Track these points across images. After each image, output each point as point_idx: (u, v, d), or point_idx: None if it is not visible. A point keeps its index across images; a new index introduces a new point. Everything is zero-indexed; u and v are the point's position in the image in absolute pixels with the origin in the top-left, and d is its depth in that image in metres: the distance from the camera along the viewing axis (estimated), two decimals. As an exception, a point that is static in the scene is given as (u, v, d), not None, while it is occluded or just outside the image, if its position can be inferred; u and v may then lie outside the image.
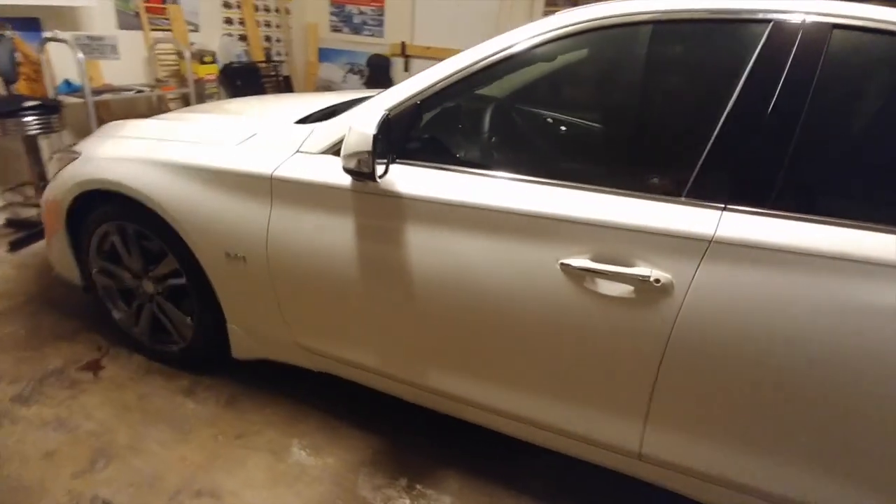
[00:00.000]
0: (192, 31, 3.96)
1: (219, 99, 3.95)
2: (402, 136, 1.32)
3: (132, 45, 3.50)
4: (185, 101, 3.81)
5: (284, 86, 4.84)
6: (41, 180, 2.73)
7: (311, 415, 1.74)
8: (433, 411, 1.53)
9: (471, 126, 1.40)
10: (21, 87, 2.84)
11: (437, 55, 4.83)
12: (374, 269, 1.33)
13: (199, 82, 3.68)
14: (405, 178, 1.28)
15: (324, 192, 1.35)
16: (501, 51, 1.25)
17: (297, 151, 1.43)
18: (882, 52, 1.04)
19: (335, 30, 5.24)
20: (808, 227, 1.02)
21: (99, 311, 2.14)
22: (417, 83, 1.32)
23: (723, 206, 1.08)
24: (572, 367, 1.23)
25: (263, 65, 4.63)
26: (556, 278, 1.17)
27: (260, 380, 1.86)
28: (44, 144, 2.73)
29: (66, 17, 3.04)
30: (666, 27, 1.16)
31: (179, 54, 3.74)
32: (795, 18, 1.08)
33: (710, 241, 1.07)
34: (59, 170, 1.81)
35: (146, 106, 3.68)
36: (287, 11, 4.91)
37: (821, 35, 1.06)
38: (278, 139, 1.47)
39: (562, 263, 1.17)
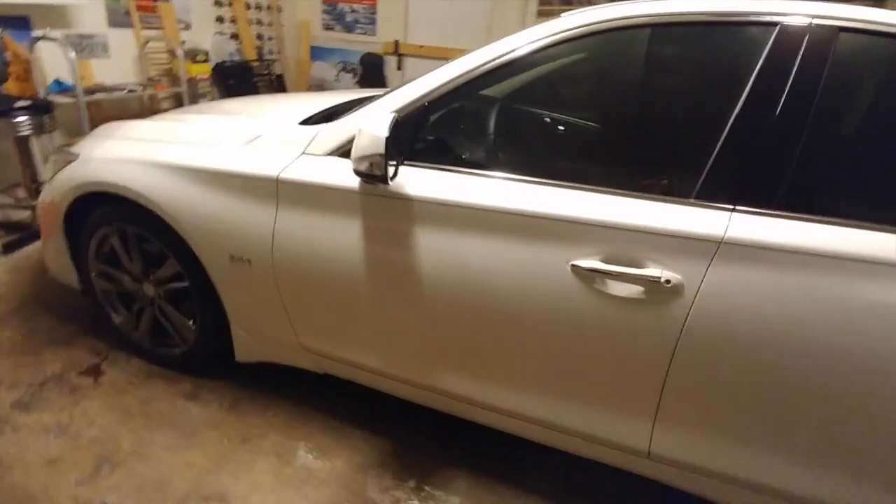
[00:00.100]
0: (184, 29, 3.91)
1: (211, 98, 3.91)
2: (410, 138, 1.31)
3: (123, 43, 3.45)
4: (178, 101, 3.77)
5: (277, 85, 4.80)
6: (33, 182, 2.69)
7: (314, 417, 1.73)
8: (437, 412, 1.54)
9: (480, 128, 1.40)
10: (10, 86, 2.78)
11: (430, 54, 4.82)
12: (384, 271, 1.33)
13: (192, 81, 3.64)
14: (414, 181, 1.28)
15: (331, 194, 1.35)
16: (510, 52, 1.25)
17: (303, 153, 1.42)
18: (888, 54, 1.06)
19: (327, 28, 5.21)
20: (816, 228, 1.04)
21: (96, 314, 2.12)
22: (425, 85, 1.31)
23: (732, 207, 1.09)
24: (582, 367, 1.24)
25: (256, 63, 4.59)
26: (566, 279, 1.18)
27: (262, 383, 1.85)
28: (35, 145, 2.67)
29: (56, 16, 2.98)
30: (674, 30, 1.16)
31: (171, 53, 3.69)
32: (802, 22, 1.09)
33: (719, 242, 1.08)
34: (56, 172, 1.78)
35: (138, 105, 3.64)
36: (279, 9, 4.87)
37: (827, 38, 1.07)
38: (283, 141, 1.45)
39: (572, 265, 1.17)
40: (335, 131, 1.40)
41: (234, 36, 4.44)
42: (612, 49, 1.21)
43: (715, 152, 1.11)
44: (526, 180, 1.23)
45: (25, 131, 2.44)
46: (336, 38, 5.18)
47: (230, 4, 4.31)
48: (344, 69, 5.22)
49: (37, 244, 2.71)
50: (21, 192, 2.76)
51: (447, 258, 1.26)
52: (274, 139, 1.47)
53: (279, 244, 1.43)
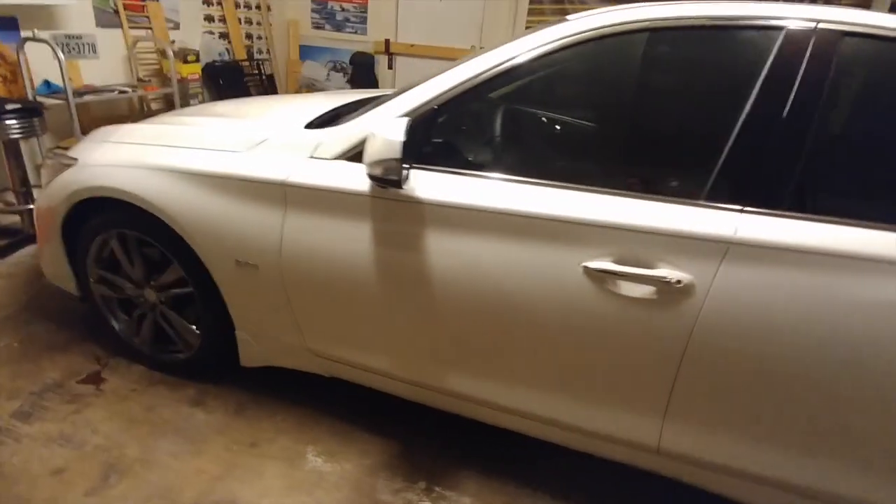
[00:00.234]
0: (172, 28, 3.86)
1: (202, 99, 3.86)
2: (419, 142, 1.31)
3: (111, 43, 3.39)
4: (168, 102, 3.71)
5: (268, 85, 4.76)
6: (22, 186, 2.63)
7: (321, 420, 1.73)
8: (441, 413, 1.54)
9: (489, 131, 1.40)
10: (-3, 88, 2.73)
11: (421, 53, 4.82)
12: (395, 274, 1.33)
13: (183, 82, 3.59)
14: (424, 184, 1.28)
15: (341, 198, 1.34)
16: (520, 55, 1.26)
17: (311, 157, 1.41)
18: (891, 58, 1.09)
19: (317, 27, 5.17)
20: (823, 228, 1.06)
21: (94, 320, 2.09)
22: (434, 88, 1.32)
23: (741, 207, 1.12)
24: (594, 366, 1.25)
25: (245, 63, 4.54)
26: (578, 281, 1.20)
27: (267, 387, 1.84)
28: (24, 148, 2.62)
29: (44, 16, 2.92)
30: (681, 34, 1.18)
31: (161, 53, 3.63)
32: (807, 26, 1.11)
33: (729, 243, 1.10)
34: (53, 177, 1.75)
35: (127, 107, 3.58)
36: (268, 8, 4.82)
37: (832, 42, 1.10)
38: (290, 145, 1.45)
39: (584, 266, 1.19)
40: (343, 135, 1.39)
41: (224, 35, 4.39)
42: (621, 52, 1.23)
43: (724, 154, 1.13)
44: (536, 183, 1.24)
45: (15, 134, 2.39)
46: (326, 37, 5.14)
47: (219, 3, 4.26)
48: (334, 68, 5.19)
49: (28, 249, 2.66)
50: (10, 197, 2.70)
51: (459, 261, 1.26)
52: (280, 143, 1.46)
53: (287, 248, 1.42)
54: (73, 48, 3.13)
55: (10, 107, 2.34)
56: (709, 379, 1.17)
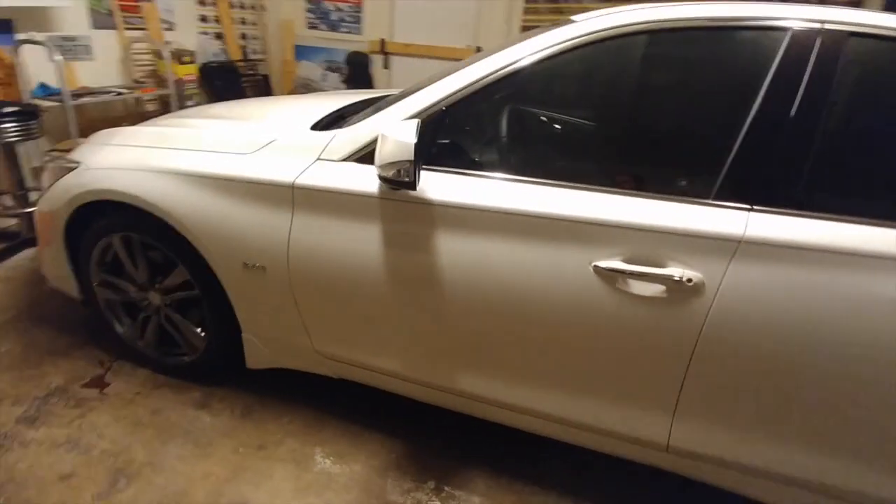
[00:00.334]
0: (167, 29, 3.83)
1: (198, 100, 3.84)
2: (428, 143, 1.32)
3: (106, 45, 3.36)
4: (164, 103, 3.69)
5: (264, 85, 4.73)
6: (20, 189, 2.61)
7: (328, 422, 1.73)
8: (446, 412, 1.55)
9: (499, 132, 1.41)
10: (-8, 91, 2.70)
11: (417, 52, 4.81)
12: (406, 275, 1.33)
13: (179, 83, 3.57)
14: (435, 185, 1.29)
15: (350, 199, 1.34)
16: (528, 56, 1.27)
17: (318, 159, 1.41)
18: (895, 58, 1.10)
19: (312, 27, 5.15)
20: (832, 226, 1.08)
21: (95, 324, 2.08)
22: (442, 89, 1.32)
23: (750, 206, 1.13)
24: (604, 365, 1.26)
25: (241, 64, 4.52)
26: (589, 280, 1.20)
27: (273, 389, 1.84)
28: (20, 151, 2.60)
29: (39, 18, 2.89)
30: (689, 34, 1.19)
31: (156, 54, 3.61)
32: (813, 27, 1.13)
33: (739, 241, 1.11)
34: (55, 180, 1.74)
35: (123, 108, 3.55)
36: (263, 8, 4.79)
37: (838, 42, 1.11)
38: (297, 147, 1.45)
39: (595, 266, 1.20)
40: (351, 137, 1.39)
41: (218, 36, 4.36)
42: (630, 53, 1.23)
43: (733, 153, 1.14)
44: (546, 183, 1.25)
45: (12, 138, 2.36)
46: (321, 37, 5.12)
47: (213, 4, 4.24)
48: (329, 68, 5.18)
49: (27, 253, 2.64)
50: (7, 200, 2.68)
51: (470, 261, 1.27)
52: (287, 145, 1.46)
53: (295, 250, 1.42)
54: (69, 50, 3.10)
55: (7, 110, 2.31)
56: (718, 376, 1.18)
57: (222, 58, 4.33)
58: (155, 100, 3.62)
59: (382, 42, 4.88)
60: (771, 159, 1.12)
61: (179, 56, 3.59)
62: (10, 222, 2.74)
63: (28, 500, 1.40)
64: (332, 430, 1.70)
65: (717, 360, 1.17)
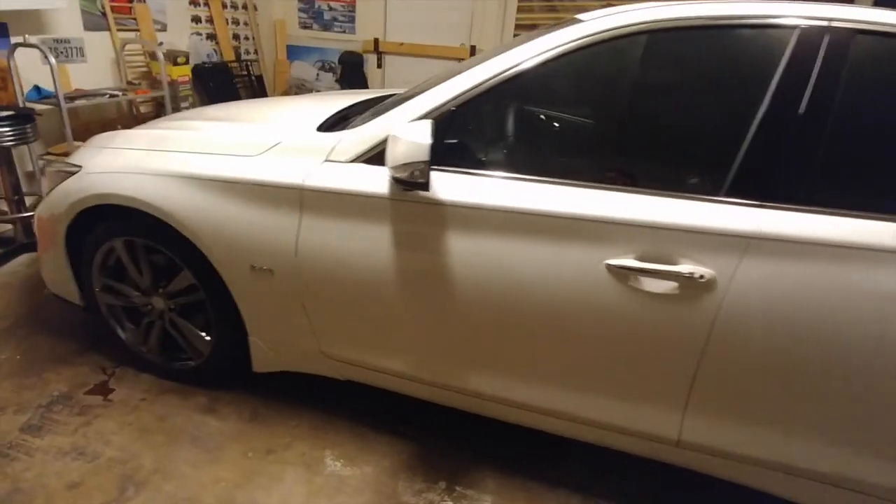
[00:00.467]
0: (160, 30, 3.79)
1: (192, 102, 3.80)
2: (438, 143, 1.31)
3: (99, 46, 3.32)
4: (158, 105, 3.65)
5: (258, 86, 4.70)
6: (15, 194, 2.57)
7: (336, 424, 1.72)
8: (454, 412, 1.55)
9: (509, 131, 1.41)
10: (-14, 95, 2.66)
11: (411, 52, 4.80)
12: (417, 275, 1.33)
13: (173, 84, 3.53)
14: (444, 185, 1.29)
15: (359, 201, 1.34)
16: (537, 55, 1.27)
17: (326, 160, 1.40)
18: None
19: (304, 27, 5.11)
20: (843, 222, 1.09)
21: (96, 330, 2.06)
22: (451, 89, 1.32)
23: (760, 203, 1.14)
24: (617, 362, 1.27)
25: (234, 65, 4.48)
26: (602, 278, 1.21)
27: (279, 392, 1.83)
28: (15, 155, 2.56)
29: (32, 21, 2.85)
30: (698, 33, 1.20)
31: (150, 55, 3.57)
32: (821, 24, 1.14)
33: (750, 238, 1.12)
34: (56, 185, 1.71)
35: (116, 111, 3.51)
36: (255, 8, 4.75)
37: (845, 40, 1.12)
38: (304, 148, 1.44)
39: (607, 264, 1.20)
40: (359, 138, 1.39)
41: (211, 36, 4.32)
42: (638, 51, 1.24)
43: (743, 150, 1.15)
44: (557, 182, 1.25)
45: (8, 142, 2.33)
46: (313, 37, 5.09)
47: (206, 3, 4.19)
48: (323, 68, 5.15)
49: (22, 258, 2.60)
50: (2, 205, 2.64)
51: (482, 261, 1.27)
52: (294, 146, 1.45)
53: (303, 253, 1.42)
54: (62, 52, 3.06)
55: (2, 114, 2.28)
56: (730, 371, 1.19)
57: (215, 59, 4.29)
58: (149, 101, 3.58)
59: (376, 41, 4.86)
60: (781, 156, 1.13)
61: (173, 57, 3.55)
62: (6, 227, 2.70)
63: (37, 509, 1.39)
64: (340, 433, 1.69)
65: (728, 355, 1.18)
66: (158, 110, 3.66)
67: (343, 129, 1.48)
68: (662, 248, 1.17)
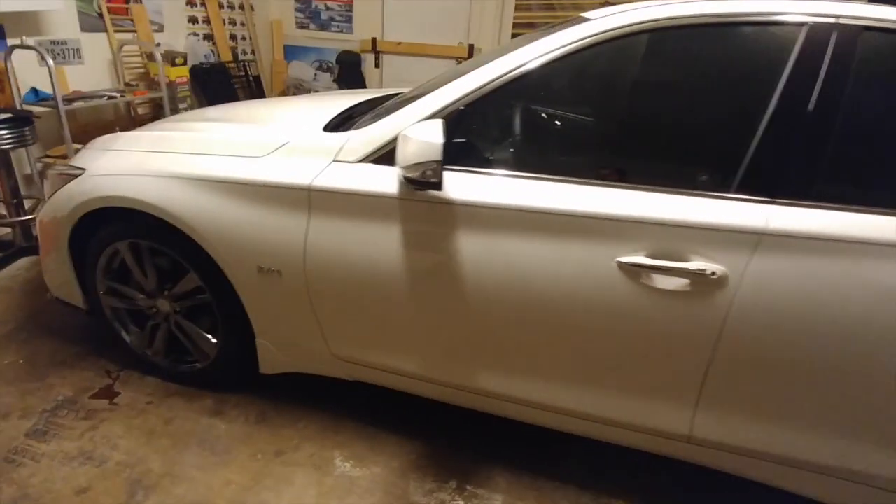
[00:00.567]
0: (157, 31, 3.77)
1: (191, 103, 3.78)
2: (447, 142, 1.31)
3: (96, 48, 3.29)
4: (156, 106, 3.62)
5: (255, 86, 4.68)
6: (14, 197, 2.55)
7: (344, 425, 1.72)
8: (462, 411, 1.54)
9: (518, 130, 1.41)
10: (-17, 98, 2.63)
11: (408, 51, 4.79)
12: (428, 275, 1.33)
13: (171, 85, 3.51)
14: (455, 184, 1.28)
15: (368, 201, 1.33)
16: (547, 53, 1.27)
17: (334, 160, 1.40)
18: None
19: (301, 27, 5.10)
20: (853, 217, 1.09)
21: (99, 333, 2.05)
22: (460, 88, 1.31)
23: (770, 199, 1.14)
24: (628, 359, 1.27)
25: (231, 65, 4.46)
26: (613, 276, 1.21)
27: (285, 393, 1.82)
28: (13, 158, 2.53)
29: (28, 22, 2.82)
30: (708, 30, 1.20)
31: (148, 56, 3.54)
32: (829, 21, 1.14)
33: (761, 234, 1.13)
34: (58, 187, 1.70)
35: (113, 112, 3.48)
36: (251, 8, 4.73)
37: (853, 37, 1.13)
38: (312, 148, 1.43)
39: (618, 261, 1.20)
40: (368, 137, 1.38)
41: (208, 37, 4.30)
42: (648, 49, 1.24)
43: (753, 147, 1.15)
44: (567, 181, 1.25)
45: (7, 145, 2.31)
46: (311, 37, 5.08)
47: (203, 4, 4.17)
48: (320, 68, 5.14)
49: (22, 262, 2.58)
50: (1, 209, 2.61)
51: (493, 260, 1.27)
52: (302, 147, 1.44)
53: (312, 253, 1.41)
54: (59, 54, 3.03)
55: (1, 116, 2.26)
56: (742, 367, 1.20)
57: (212, 59, 4.27)
58: (147, 103, 3.56)
59: (373, 41, 4.86)
60: (791, 152, 1.14)
61: (171, 58, 3.53)
62: (5, 231, 2.68)
63: (46, 515, 1.38)
64: (348, 433, 1.69)
65: (740, 351, 1.18)
66: (156, 112, 3.64)
67: (349, 129, 1.48)
68: (674, 245, 1.17)
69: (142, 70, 3.63)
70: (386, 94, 2.15)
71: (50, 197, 1.73)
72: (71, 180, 1.67)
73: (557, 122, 1.36)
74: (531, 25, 4.33)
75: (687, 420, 1.30)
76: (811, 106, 1.13)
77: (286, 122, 1.70)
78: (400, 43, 4.80)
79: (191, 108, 3.75)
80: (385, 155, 1.35)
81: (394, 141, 1.32)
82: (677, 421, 1.31)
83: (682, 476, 1.59)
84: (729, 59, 1.19)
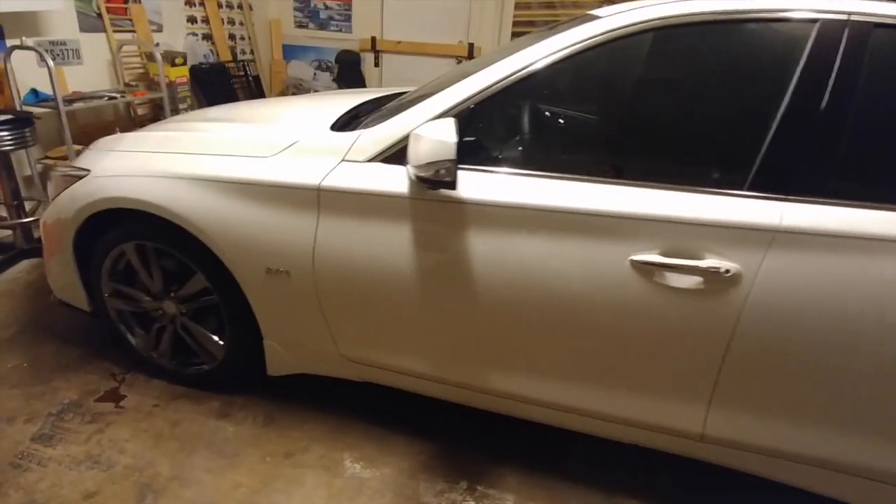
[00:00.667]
0: (155, 31, 3.74)
1: (191, 103, 3.76)
2: (459, 141, 1.30)
3: (95, 48, 3.27)
4: (156, 107, 3.60)
5: (255, 86, 4.66)
6: (14, 199, 2.53)
7: (352, 426, 1.71)
8: (470, 411, 1.53)
9: (529, 128, 1.40)
10: (-18, 99, 2.61)
11: (408, 50, 4.78)
12: (439, 275, 1.32)
13: (171, 86, 3.49)
14: (466, 184, 1.27)
15: (379, 201, 1.32)
16: (558, 51, 1.26)
17: (343, 160, 1.39)
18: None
19: (300, 26, 5.08)
20: (866, 214, 1.09)
21: (103, 335, 2.03)
22: (470, 87, 1.30)
23: (784, 196, 1.14)
24: (642, 358, 1.27)
25: (231, 65, 4.43)
26: (627, 275, 1.20)
27: (292, 395, 1.81)
28: (14, 160, 2.51)
29: (27, 23, 2.80)
30: (720, 27, 1.19)
31: (148, 56, 3.52)
32: (841, 18, 1.14)
33: (775, 231, 1.12)
34: (62, 189, 1.68)
35: (113, 113, 3.46)
36: (250, 7, 4.71)
37: (864, 33, 1.12)
38: (320, 148, 1.42)
39: (632, 260, 1.20)
40: (377, 137, 1.37)
41: (207, 37, 4.28)
42: (663, 46, 1.23)
43: (766, 144, 1.15)
44: (580, 179, 1.24)
45: (7, 146, 2.29)
46: (310, 36, 5.06)
47: (201, 3, 4.15)
48: (319, 67, 5.12)
49: (23, 265, 2.56)
50: (2, 211, 2.59)
51: (506, 259, 1.26)
52: (310, 146, 1.43)
53: (321, 254, 1.40)
54: (58, 55, 3.01)
55: (1, 118, 2.24)
56: (755, 364, 1.19)
57: (212, 59, 4.25)
58: (147, 103, 3.54)
59: (373, 40, 4.84)
60: (804, 149, 1.13)
61: (171, 58, 3.51)
62: (5, 233, 2.66)
63: (54, 520, 1.36)
64: (356, 434, 1.68)
65: (754, 348, 1.18)
66: (156, 112, 3.62)
67: (356, 128, 1.47)
68: (687, 243, 1.17)
69: (141, 70, 3.61)
70: (390, 93, 2.13)
71: (54, 199, 1.71)
72: (75, 182, 1.65)
73: (570, 121, 1.35)
74: (531, 24, 4.32)
75: (700, 418, 1.30)
76: (824, 103, 1.12)
77: (292, 121, 1.68)
78: (399, 42, 4.79)
79: (191, 108, 3.73)
80: (395, 154, 1.34)
81: (404, 140, 1.31)
82: (690, 419, 1.31)
83: (693, 477, 1.58)
84: (742, 56, 1.19)
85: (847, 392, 1.16)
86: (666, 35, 1.21)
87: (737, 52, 1.19)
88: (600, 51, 1.24)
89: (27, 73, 2.83)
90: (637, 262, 1.19)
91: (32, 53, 2.64)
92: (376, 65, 4.97)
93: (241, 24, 4.70)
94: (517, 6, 4.39)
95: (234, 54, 4.56)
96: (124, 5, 3.42)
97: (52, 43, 2.97)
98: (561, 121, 1.37)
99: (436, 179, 1.16)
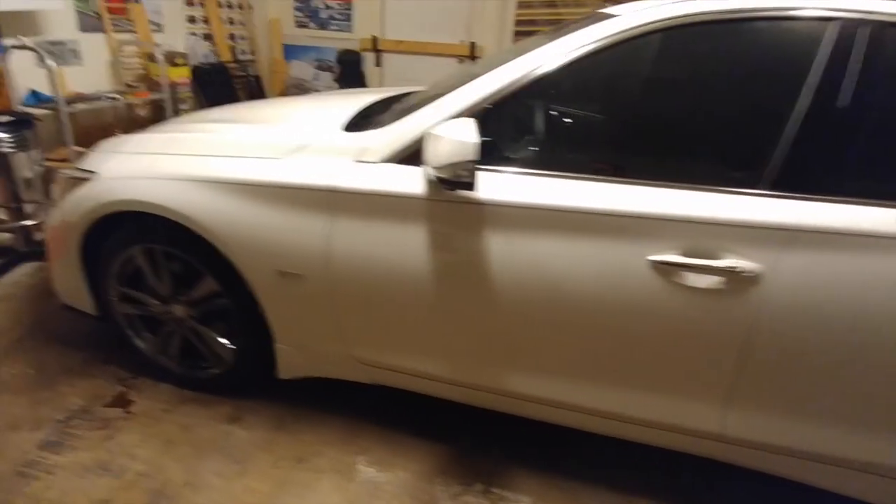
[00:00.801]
0: (155, 31, 3.71)
1: (192, 104, 3.73)
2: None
3: (94, 48, 3.24)
4: (157, 108, 3.57)
5: (256, 86, 4.63)
6: (15, 201, 2.50)
7: (365, 429, 1.69)
8: (482, 413, 1.52)
9: (546, 128, 1.39)
10: (-21, 100, 2.58)
11: (409, 49, 4.76)
12: (455, 276, 1.30)
13: (172, 86, 3.46)
14: (485, 184, 1.26)
15: (394, 202, 1.31)
16: (573, 51, 1.24)
17: (357, 161, 1.37)
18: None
19: (300, 25, 5.05)
20: (885, 213, 1.08)
21: (108, 339, 2.00)
22: (486, 86, 1.29)
23: (802, 195, 1.13)
24: (661, 358, 1.26)
25: (232, 65, 4.41)
26: (646, 275, 1.19)
27: (302, 398, 1.79)
28: (14, 162, 2.48)
29: (25, 22, 2.77)
30: (739, 26, 1.18)
31: (148, 56, 3.49)
32: (859, 17, 1.12)
33: (794, 230, 1.11)
34: (69, 191, 1.66)
35: (113, 114, 3.43)
36: (250, 7, 4.68)
37: (881, 32, 1.11)
38: (333, 149, 1.40)
39: (650, 260, 1.18)
40: (390, 137, 1.35)
41: (207, 37, 4.24)
42: (681, 46, 1.22)
43: (786, 143, 1.14)
44: (598, 179, 1.23)
45: (7, 149, 2.26)
46: (310, 36, 5.03)
47: (201, 3, 4.12)
48: (320, 67, 5.09)
49: (24, 269, 2.53)
50: (1, 214, 2.56)
51: (524, 260, 1.25)
52: (322, 147, 1.41)
53: (335, 256, 1.38)
54: (58, 55, 2.98)
55: (1, 119, 2.21)
56: (775, 364, 1.18)
57: (212, 59, 4.22)
58: (147, 104, 3.51)
59: (374, 39, 4.82)
60: (823, 148, 1.12)
61: (172, 58, 3.48)
62: (5, 237, 2.62)
63: (66, 528, 1.34)
64: (369, 438, 1.66)
65: (773, 348, 1.17)
66: (157, 113, 3.59)
67: (363, 129, 1.45)
68: (706, 243, 1.16)
69: (141, 71, 3.58)
70: (398, 93, 2.12)
71: (59, 201, 1.68)
72: (81, 184, 1.63)
73: (586, 120, 1.34)
74: (533, 23, 4.30)
75: (719, 418, 1.29)
76: (842, 102, 1.11)
77: (302, 122, 1.66)
78: (401, 41, 4.77)
79: (191, 109, 3.70)
80: (410, 155, 1.32)
81: (419, 141, 1.29)
82: (709, 419, 1.30)
83: (710, 477, 1.58)
84: (762, 55, 1.18)
85: (868, 391, 1.15)
86: (684, 33, 1.20)
87: (758, 51, 1.18)
88: (617, 49, 1.23)
89: (26, 73, 2.80)
90: (655, 262, 1.18)
91: (30, 54, 2.60)
92: (377, 64, 4.95)
93: (242, 23, 4.67)
94: (519, 5, 4.37)
95: (234, 54, 4.53)
96: (124, 5, 3.39)
97: (51, 43, 2.94)
98: (577, 120, 1.35)
99: (455, 180, 1.14)
